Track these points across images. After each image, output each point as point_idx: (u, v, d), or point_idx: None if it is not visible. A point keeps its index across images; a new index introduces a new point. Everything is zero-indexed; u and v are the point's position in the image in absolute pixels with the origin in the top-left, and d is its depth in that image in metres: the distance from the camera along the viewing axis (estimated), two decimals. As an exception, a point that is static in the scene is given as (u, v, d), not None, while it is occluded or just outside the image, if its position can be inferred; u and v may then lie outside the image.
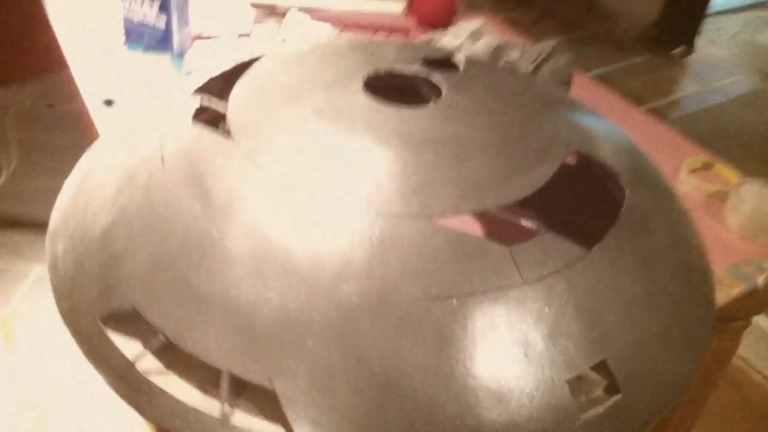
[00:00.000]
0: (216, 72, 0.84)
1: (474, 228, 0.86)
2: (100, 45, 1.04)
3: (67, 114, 2.07)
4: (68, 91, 2.18)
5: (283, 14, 1.20)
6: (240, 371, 0.56)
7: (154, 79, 0.98)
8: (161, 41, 0.95)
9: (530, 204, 0.73)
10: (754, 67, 2.84)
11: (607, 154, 0.75)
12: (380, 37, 1.18)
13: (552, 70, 0.90)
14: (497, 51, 0.96)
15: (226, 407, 0.56)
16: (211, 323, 0.57)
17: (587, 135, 0.76)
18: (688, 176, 0.92)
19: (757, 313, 0.93)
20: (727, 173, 0.94)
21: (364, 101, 0.71)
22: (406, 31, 1.20)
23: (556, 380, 0.58)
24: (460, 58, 0.81)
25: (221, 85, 0.86)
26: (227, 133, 0.70)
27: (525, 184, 0.65)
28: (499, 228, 0.81)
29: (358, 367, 0.56)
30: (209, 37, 1.09)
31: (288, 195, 0.62)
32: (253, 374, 0.55)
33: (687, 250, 0.74)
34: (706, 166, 0.96)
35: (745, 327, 0.94)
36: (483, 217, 0.81)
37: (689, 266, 0.72)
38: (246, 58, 0.86)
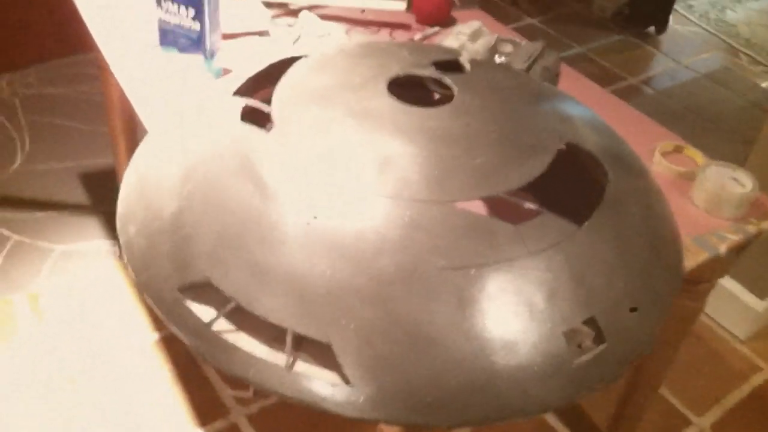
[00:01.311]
0: (250, 74, 0.95)
1: (486, 210, 0.99)
2: (135, 45, 1.14)
3: (72, 98, 2.16)
4: (70, 75, 2.27)
5: (295, 11, 1.31)
6: (301, 329, 0.69)
7: (188, 77, 1.10)
8: (195, 43, 1.06)
9: (531, 188, 0.86)
10: (724, 43, 2.98)
11: (593, 143, 0.88)
12: (384, 33, 1.30)
13: (542, 67, 1.03)
14: (494, 48, 1.09)
15: (290, 359, 0.69)
16: (275, 291, 0.70)
17: (576, 127, 0.89)
18: (660, 158, 1.06)
19: (720, 276, 1.08)
20: (695, 155, 1.08)
21: (388, 102, 0.84)
22: (407, 28, 1.32)
23: (554, 333, 0.72)
24: (466, 60, 0.94)
25: (255, 83, 0.98)
26: (272, 130, 0.82)
27: (527, 172, 0.78)
28: (507, 209, 0.94)
29: (396, 324, 0.69)
30: (229, 35, 1.20)
31: (331, 183, 0.75)
32: (313, 331, 0.68)
33: (659, 224, 0.88)
34: (677, 149, 1.09)
35: (709, 289, 1.08)
36: (494, 200, 0.95)
37: (660, 237, 0.86)
38: (274, 60, 0.98)
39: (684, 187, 1.02)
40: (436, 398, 0.68)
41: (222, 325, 0.73)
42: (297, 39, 1.21)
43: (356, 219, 0.73)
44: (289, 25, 1.26)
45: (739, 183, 0.98)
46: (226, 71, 1.13)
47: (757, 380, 1.56)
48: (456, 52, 0.97)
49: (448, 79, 0.89)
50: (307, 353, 0.71)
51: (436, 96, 1.03)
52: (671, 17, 3.02)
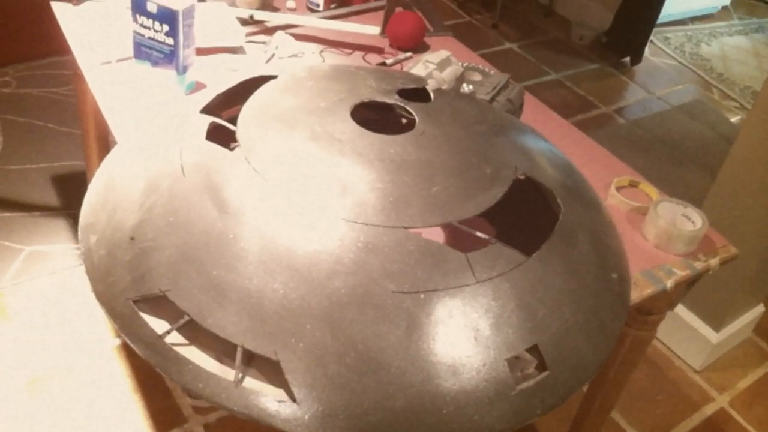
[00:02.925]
0: (219, 91, 0.98)
1: (440, 237, 1.02)
2: (110, 56, 1.16)
3: (48, 99, 2.16)
4: (47, 77, 2.27)
5: (270, 30, 1.33)
6: (252, 346, 0.71)
7: (159, 91, 1.11)
8: (168, 58, 1.08)
9: (487, 217, 0.89)
10: (697, 77, 3.05)
11: (548, 175, 0.91)
12: (357, 55, 1.33)
13: (506, 99, 1.06)
14: (461, 77, 1.12)
15: (239, 374, 0.71)
16: (228, 307, 0.72)
17: (534, 159, 0.92)
18: (616, 192, 1.09)
19: (669, 309, 1.11)
20: (650, 191, 1.12)
21: (351, 128, 0.86)
22: (380, 51, 1.35)
23: (498, 359, 0.74)
24: (430, 88, 0.97)
25: (225, 100, 1.00)
26: (236, 150, 0.84)
27: (481, 202, 0.81)
28: (461, 238, 0.96)
29: (345, 345, 0.71)
30: (203, 50, 1.22)
31: (290, 205, 0.77)
32: (262, 348, 0.70)
33: (608, 256, 0.91)
34: (633, 184, 1.13)
35: (659, 320, 1.12)
36: (447, 228, 0.97)
37: (609, 270, 0.89)
38: (244, 79, 1.00)
39: (637, 222, 1.06)
40: (382, 420, 0.70)
41: (176, 338, 0.75)
42: (270, 58, 1.23)
43: (313, 240, 0.75)
44: (264, 43, 1.29)
45: (689, 220, 1.02)
46: (198, 86, 1.15)
47: (708, 410, 1.60)
48: (422, 81, 1.00)
49: (410, 108, 0.91)
50: (258, 369, 0.73)
51: (402, 121, 1.06)
52: (647, 48, 3.09)
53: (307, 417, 0.69)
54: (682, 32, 3.49)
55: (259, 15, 1.32)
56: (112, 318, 0.76)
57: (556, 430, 1.50)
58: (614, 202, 1.08)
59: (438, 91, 0.97)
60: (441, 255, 0.76)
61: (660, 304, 1.08)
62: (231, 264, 0.74)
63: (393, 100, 0.93)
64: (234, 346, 0.72)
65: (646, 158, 2.37)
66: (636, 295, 0.94)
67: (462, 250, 0.78)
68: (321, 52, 1.31)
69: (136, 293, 0.76)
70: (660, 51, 3.22)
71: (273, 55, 1.23)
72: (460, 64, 1.14)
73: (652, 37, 3.15)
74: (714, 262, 1.01)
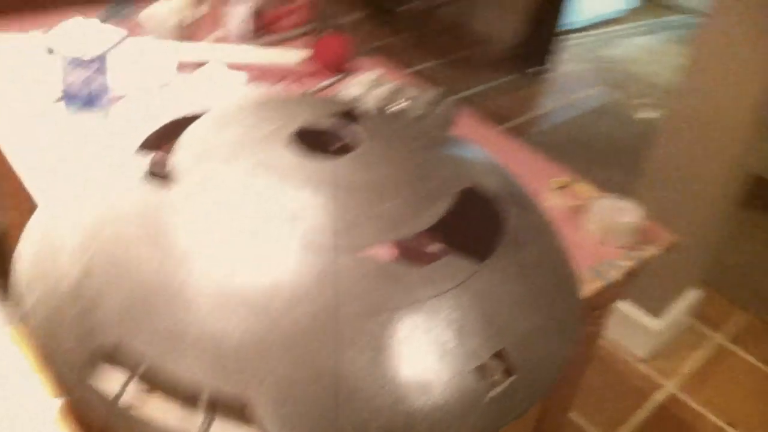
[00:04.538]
0: (151, 130, 0.95)
1: (395, 255, 1.01)
2: (31, 106, 1.12)
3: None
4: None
5: (198, 63, 1.31)
6: (216, 388, 0.68)
7: (87, 136, 1.08)
8: (93, 100, 1.04)
9: (436, 231, 0.89)
10: (605, 79, 3.18)
11: (489, 184, 0.93)
12: (288, 82, 1.32)
13: (439, 113, 1.07)
14: (393, 96, 1.13)
15: (205, 425, 0.69)
16: (187, 351, 0.69)
17: (473, 169, 0.93)
18: (553, 193, 1.12)
19: (613, 302, 1.14)
20: (585, 189, 1.15)
21: (293, 155, 0.85)
22: (311, 75, 1.35)
23: (465, 370, 0.74)
24: (367, 109, 0.97)
25: (156, 139, 0.98)
26: (175, 189, 0.82)
27: (429, 216, 0.81)
28: (416, 253, 0.96)
29: (312, 376, 0.69)
30: (131, 89, 1.19)
31: (239, 240, 0.75)
32: (228, 389, 0.68)
33: (556, 256, 0.92)
34: (568, 184, 1.16)
35: (606, 314, 1.15)
36: (402, 245, 0.97)
37: (559, 269, 0.91)
38: (178, 115, 0.98)
39: (576, 220, 1.08)
40: (357, 444, 0.68)
41: (133, 391, 0.72)
42: (201, 91, 1.21)
43: (267, 274, 0.73)
44: (193, 77, 1.27)
45: (627, 213, 1.05)
46: (128, 127, 1.12)
47: (659, 397, 1.64)
48: (356, 102, 1.00)
49: (350, 129, 0.91)
50: (226, 411, 0.71)
51: (339, 144, 1.05)
52: (555, 57, 3.20)
53: (282, 454, 0.67)
54: (593, 36, 3.63)
55: (182, 52, 1.30)
56: (63, 382, 0.72)
57: (518, 435, 1.51)
58: (552, 203, 1.11)
59: (373, 110, 0.98)
60: (398, 272, 0.76)
61: (605, 298, 1.10)
62: (184, 307, 0.72)
63: (331, 123, 0.92)
64: (197, 391, 0.69)
65: (567, 163, 2.45)
66: (585, 290, 0.96)
67: (417, 265, 0.78)
68: (250, 82, 1.29)
69: (87, 352, 0.72)
70: (568, 58, 3.34)
71: (203, 88, 1.21)
72: (391, 83, 1.15)
73: (564, 43, 3.26)
74: (656, 250, 1.04)
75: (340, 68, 1.36)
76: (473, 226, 0.98)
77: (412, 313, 0.74)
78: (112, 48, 1.02)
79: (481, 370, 0.77)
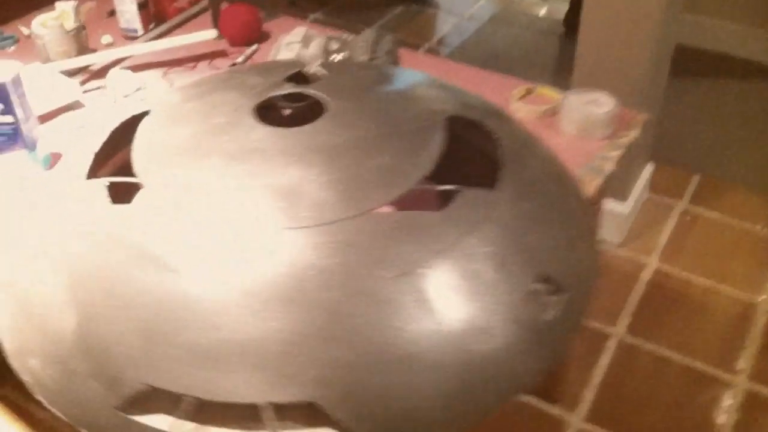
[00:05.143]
0: (92, 150, 0.85)
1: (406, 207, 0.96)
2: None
3: None
4: None
5: (101, 72, 1.20)
6: (277, 398, 0.62)
7: (17, 176, 0.97)
8: (11, 139, 0.93)
9: (438, 171, 0.84)
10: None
11: (467, 109, 0.88)
12: (203, 66, 1.22)
13: (385, 52, 1.01)
14: (329, 48, 1.05)
15: (274, 433, 0.63)
16: (233, 369, 0.63)
17: (447, 99, 0.88)
18: (519, 104, 1.08)
19: (606, 195, 1.13)
20: (547, 92, 1.11)
21: (264, 132, 0.78)
22: (224, 54, 1.26)
23: (516, 300, 0.70)
24: (317, 68, 0.90)
25: (102, 157, 0.88)
26: (149, 201, 0.74)
27: (429, 156, 0.76)
28: (423, 200, 0.91)
29: (370, 355, 0.64)
30: (43, 117, 1.07)
31: (240, 237, 0.68)
32: (291, 396, 0.62)
33: (553, 165, 0.89)
34: (528, 92, 1.12)
35: (600, 209, 1.13)
36: (409, 195, 0.91)
37: (561, 177, 0.88)
38: (113, 127, 0.88)
39: (551, 124, 1.05)
40: (436, 408, 0.64)
41: (184, 428, 0.65)
42: (114, 99, 1.11)
43: (284, 262, 0.67)
44: (101, 88, 1.15)
45: (601, 104, 1.02)
46: (55, 158, 1.01)
47: (646, 276, 1.67)
48: (299, 63, 0.93)
49: (311, 92, 0.84)
50: (293, 418, 0.65)
51: (307, 109, 0.98)
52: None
53: (367, 443, 0.62)
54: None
55: (79, 62, 1.18)
56: (100, 437, 0.65)
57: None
58: (522, 113, 1.07)
59: (321, 68, 0.91)
60: (418, 222, 0.71)
61: (603, 191, 1.08)
62: (207, 321, 0.65)
63: (289, 89, 0.85)
64: (256, 407, 0.63)
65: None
66: (589, 189, 0.94)
67: (436, 210, 0.73)
68: (165, 75, 1.19)
69: (117, 399, 0.65)
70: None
71: (115, 96, 1.10)
72: (319, 37, 1.08)
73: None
74: (636, 133, 1.03)
75: (251, 39, 1.27)
76: (461, 158, 0.93)
77: (447, 258, 0.70)
78: (11, 79, 0.91)
79: (531, 295, 0.73)
